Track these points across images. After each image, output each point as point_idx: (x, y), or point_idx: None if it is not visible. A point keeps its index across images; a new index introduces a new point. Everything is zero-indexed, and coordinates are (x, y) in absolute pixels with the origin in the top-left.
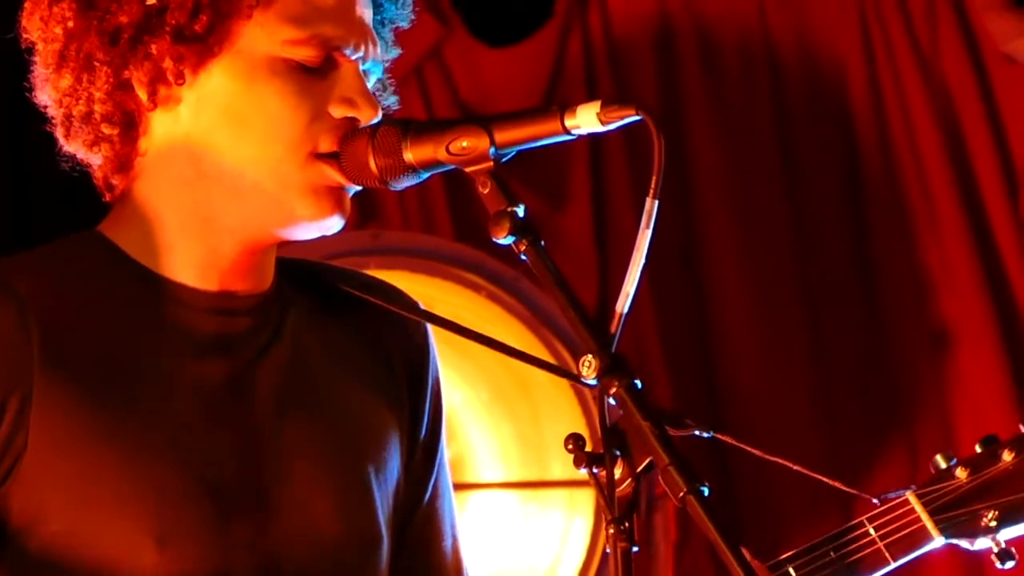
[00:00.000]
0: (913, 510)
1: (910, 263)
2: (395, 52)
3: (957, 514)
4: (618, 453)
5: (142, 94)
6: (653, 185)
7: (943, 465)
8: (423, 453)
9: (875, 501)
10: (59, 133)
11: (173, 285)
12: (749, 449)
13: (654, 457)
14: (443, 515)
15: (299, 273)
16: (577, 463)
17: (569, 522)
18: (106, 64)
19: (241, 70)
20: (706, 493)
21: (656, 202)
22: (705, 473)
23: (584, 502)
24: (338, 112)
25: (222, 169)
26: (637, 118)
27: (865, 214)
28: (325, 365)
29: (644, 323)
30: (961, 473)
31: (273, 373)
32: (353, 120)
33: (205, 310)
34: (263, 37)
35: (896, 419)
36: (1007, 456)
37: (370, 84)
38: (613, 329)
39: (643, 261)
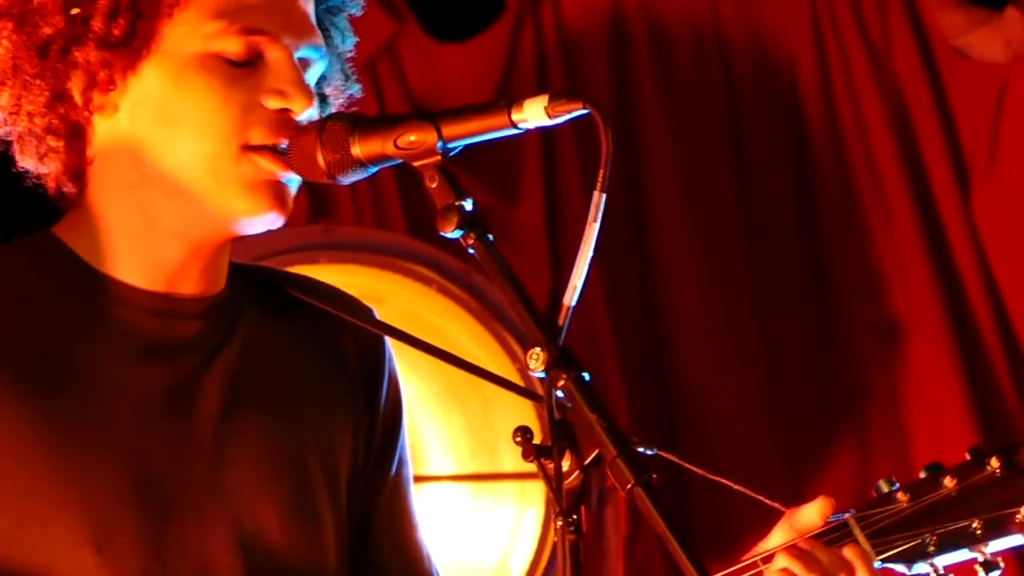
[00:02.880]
0: (851, 533)
1: (861, 257)
2: (351, 41)
3: (895, 538)
4: (567, 445)
5: (79, 102)
6: (600, 178)
7: (885, 489)
8: (379, 456)
9: None
10: (14, 151)
11: (121, 287)
12: (692, 468)
13: (602, 449)
14: (401, 517)
15: (255, 279)
16: (525, 455)
17: (520, 515)
18: (39, 77)
19: (169, 70)
20: (654, 485)
21: (604, 195)
22: (656, 468)
23: (535, 495)
24: (271, 103)
25: (160, 170)
26: (584, 112)
27: (816, 208)
28: (276, 371)
29: (596, 316)
30: (902, 498)
31: (220, 378)
32: (287, 111)
33: (152, 312)
34: (187, 35)
35: (847, 412)
36: (949, 483)
37: (315, 75)
38: (561, 322)
39: (591, 254)
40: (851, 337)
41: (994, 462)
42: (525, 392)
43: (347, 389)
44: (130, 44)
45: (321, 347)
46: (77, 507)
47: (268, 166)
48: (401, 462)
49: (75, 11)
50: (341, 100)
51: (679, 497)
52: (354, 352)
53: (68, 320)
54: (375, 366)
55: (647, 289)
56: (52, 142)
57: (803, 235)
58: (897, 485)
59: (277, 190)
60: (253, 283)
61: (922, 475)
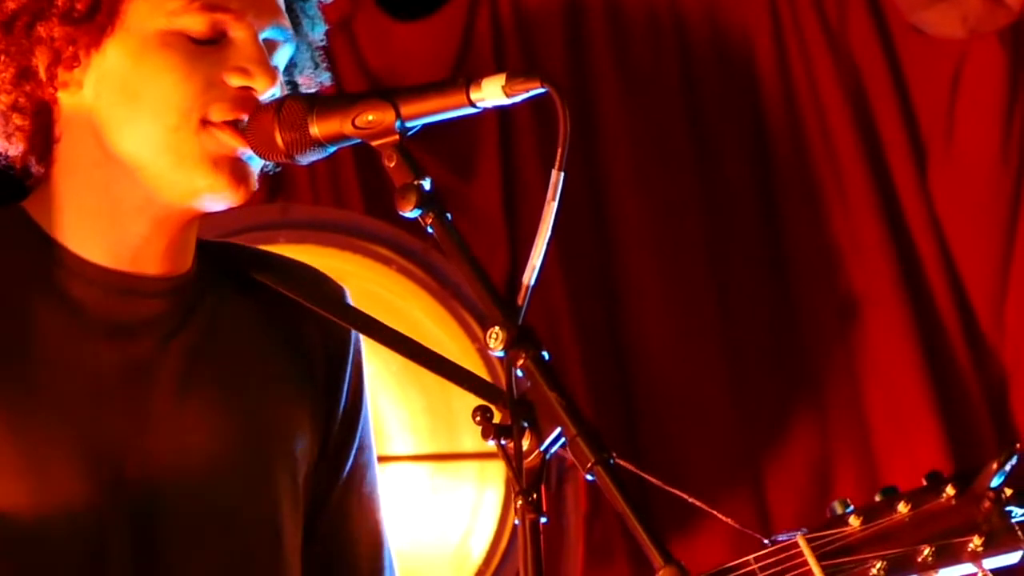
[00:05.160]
0: (801, 553)
1: (818, 233)
2: (321, 28)
3: (845, 561)
4: (526, 424)
5: (43, 79)
6: (559, 157)
7: (839, 511)
8: (340, 439)
9: (766, 542)
10: None
11: (83, 263)
12: (651, 479)
13: (563, 428)
14: (361, 498)
15: (223, 258)
16: (485, 435)
17: (480, 494)
18: (4, 53)
19: (132, 47)
20: (613, 464)
21: (562, 174)
22: (616, 448)
23: (495, 474)
24: (233, 81)
25: (123, 147)
26: (542, 90)
27: (773, 185)
28: (238, 352)
29: (554, 295)
30: (854, 520)
31: (179, 359)
32: (249, 90)
33: (113, 290)
34: (150, 12)
35: (805, 387)
36: (903, 507)
37: (283, 58)
38: (520, 301)
39: (550, 233)
40: (809, 312)
41: (949, 489)
42: (486, 389)
43: (309, 379)
44: (93, 19)
45: (285, 334)
46: (22, 477)
47: (227, 140)
48: (361, 450)
49: None
50: (313, 89)
51: (638, 475)
52: (319, 341)
53: (27, 294)
54: (339, 356)
55: (605, 268)
56: (18, 120)
57: (760, 213)
58: (851, 507)
59: (237, 167)
60: (221, 263)
61: (877, 498)
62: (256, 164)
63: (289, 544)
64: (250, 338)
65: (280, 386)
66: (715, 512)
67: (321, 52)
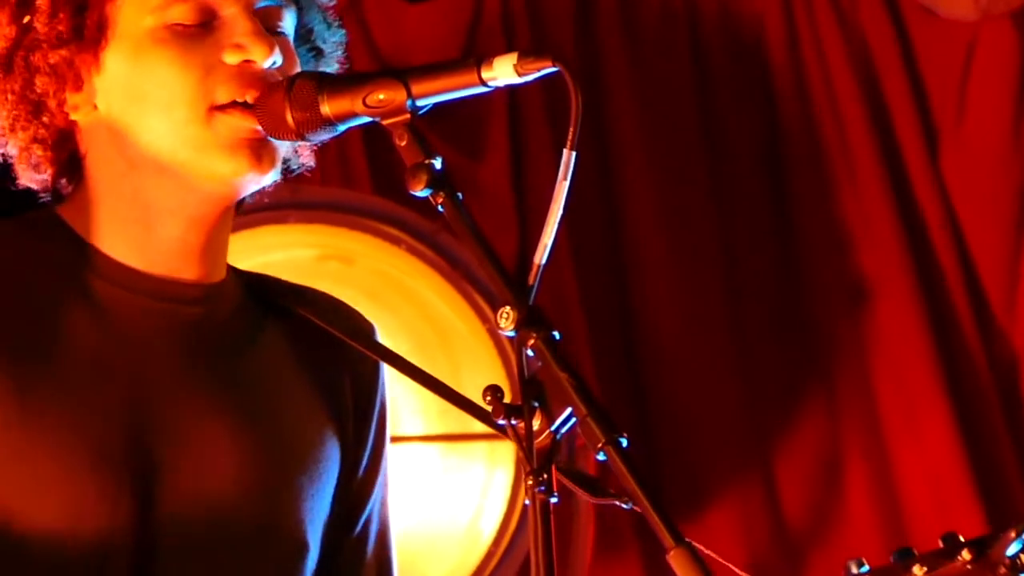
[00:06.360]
0: None
1: (829, 216)
2: None
3: None
4: (536, 404)
5: (54, 106)
6: (570, 136)
7: (854, 570)
8: (364, 477)
9: None
10: (15, 171)
11: (119, 267)
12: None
13: (573, 408)
14: (375, 541)
15: (255, 284)
16: (495, 414)
17: (490, 475)
18: (9, 92)
19: (128, 51)
20: (625, 444)
21: (574, 153)
22: (626, 428)
23: (505, 455)
24: (231, 58)
25: (141, 151)
26: (554, 69)
27: (784, 168)
28: (271, 374)
29: (563, 275)
30: None
31: (211, 369)
32: (249, 63)
33: (148, 294)
34: (137, 12)
35: (815, 372)
36: (918, 570)
37: (289, 25)
38: (531, 280)
39: (561, 213)
40: (819, 296)
41: (965, 553)
42: (489, 420)
43: (336, 411)
44: (82, 37)
45: (314, 366)
46: (56, 486)
47: (238, 122)
48: (383, 486)
49: (26, 19)
50: (337, 53)
51: (649, 456)
52: (348, 376)
53: (59, 297)
54: (367, 393)
55: (614, 248)
56: (40, 151)
57: (771, 194)
58: (867, 567)
59: (256, 147)
60: (254, 289)
61: (892, 560)
62: (276, 140)
63: (310, 567)
64: (279, 363)
65: (312, 414)
66: None
67: (331, 11)
